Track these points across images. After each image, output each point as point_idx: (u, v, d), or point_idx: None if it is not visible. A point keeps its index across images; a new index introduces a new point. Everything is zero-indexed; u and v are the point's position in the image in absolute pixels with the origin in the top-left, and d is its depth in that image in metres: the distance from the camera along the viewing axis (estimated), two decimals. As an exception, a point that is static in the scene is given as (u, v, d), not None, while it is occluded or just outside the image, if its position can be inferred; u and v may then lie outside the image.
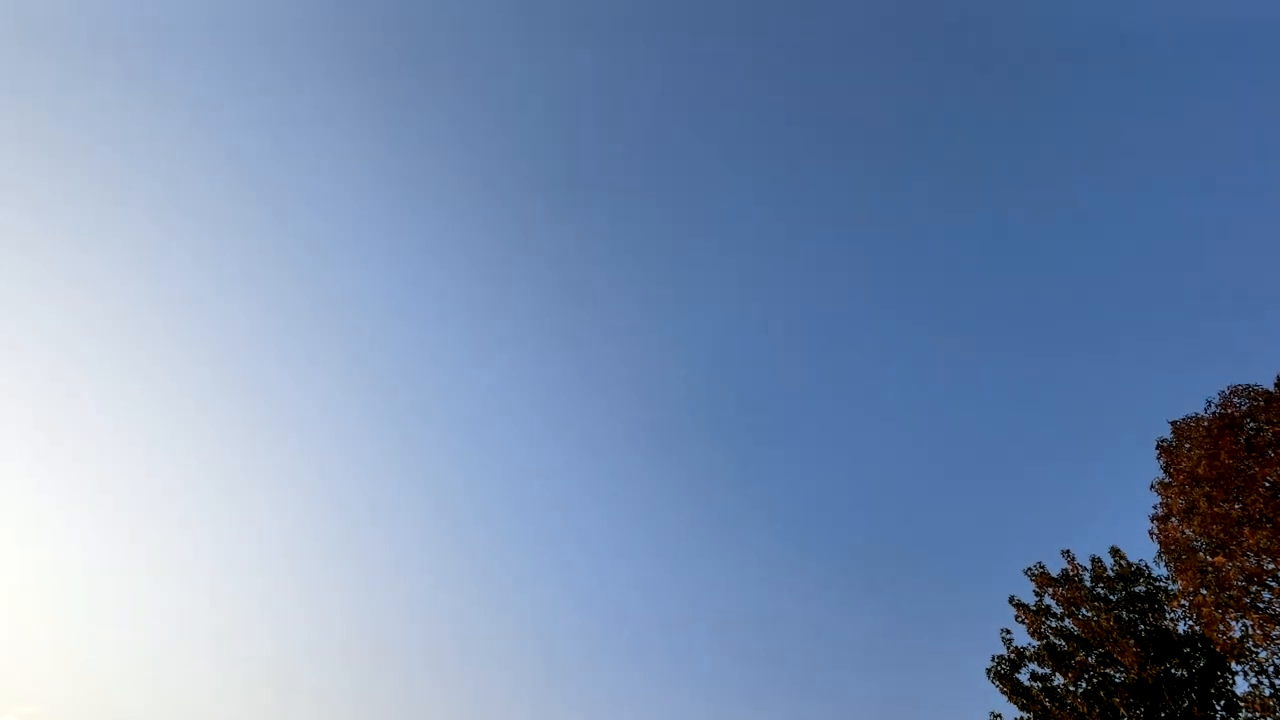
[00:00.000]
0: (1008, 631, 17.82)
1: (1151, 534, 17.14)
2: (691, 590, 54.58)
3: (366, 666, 48.06)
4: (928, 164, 62.83)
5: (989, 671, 17.32)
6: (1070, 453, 54.10)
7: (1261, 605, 14.29)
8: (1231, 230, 52.64)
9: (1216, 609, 14.75)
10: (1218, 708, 15.18)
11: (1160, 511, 17.06)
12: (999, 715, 16.71)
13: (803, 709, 41.74)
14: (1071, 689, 16.22)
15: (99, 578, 47.80)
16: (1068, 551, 18.42)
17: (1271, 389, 16.09)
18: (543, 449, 64.07)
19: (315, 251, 63.91)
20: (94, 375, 55.65)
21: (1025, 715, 16.46)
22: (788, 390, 64.53)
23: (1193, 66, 53.51)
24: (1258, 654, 14.56)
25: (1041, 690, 16.55)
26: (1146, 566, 17.67)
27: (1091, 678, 16.29)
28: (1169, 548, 16.50)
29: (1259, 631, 14.27)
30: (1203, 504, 15.48)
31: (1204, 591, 15.01)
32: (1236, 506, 15.03)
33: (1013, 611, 18.11)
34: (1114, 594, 17.37)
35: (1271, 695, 14.41)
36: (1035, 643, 17.34)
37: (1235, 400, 16.51)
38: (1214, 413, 16.69)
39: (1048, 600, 17.85)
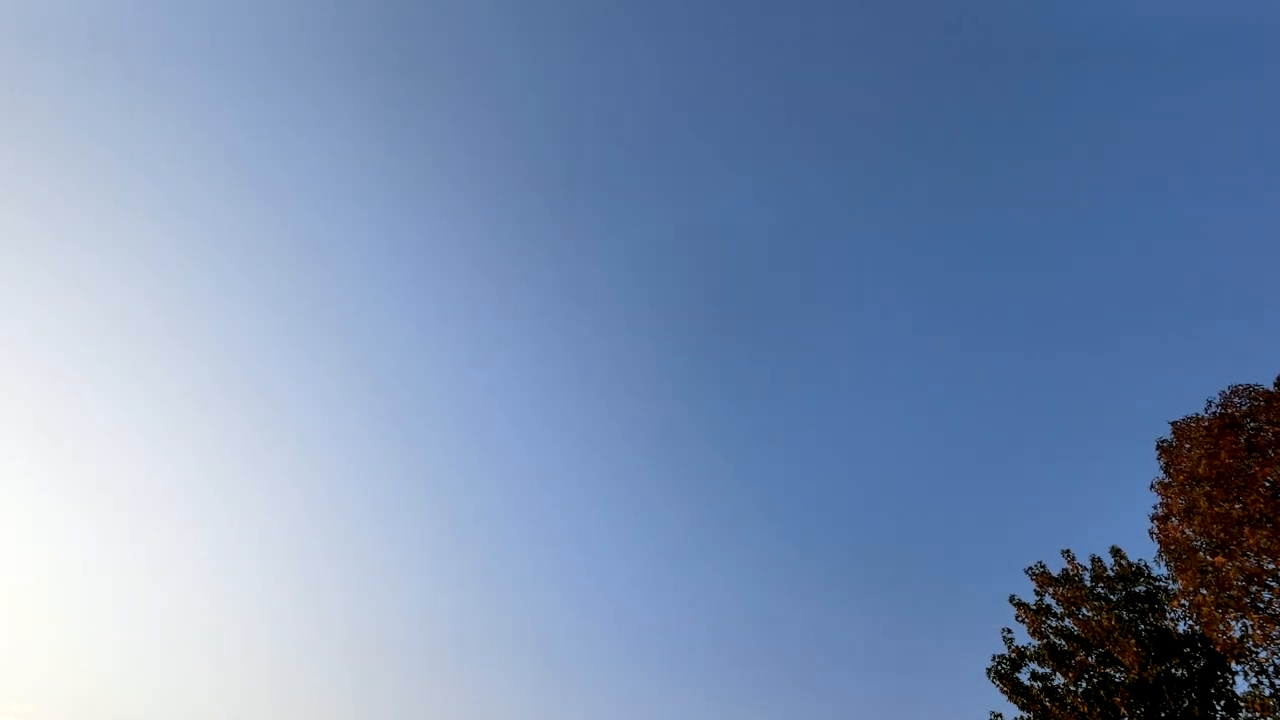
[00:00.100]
0: (1008, 631, 17.85)
1: (1151, 534, 17.15)
2: (691, 590, 54.59)
3: (366, 666, 48.07)
4: (928, 164, 62.86)
5: (989, 671, 17.33)
6: (1070, 453, 54.15)
7: (1261, 605, 14.31)
8: (1231, 230, 52.67)
9: (1216, 609, 14.76)
10: (1218, 708, 15.20)
11: (1160, 511, 17.07)
12: (999, 715, 16.73)
13: (803, 709, 41.76)
14: (1072, 688, 16.24)
15: (97, 577, 47.82)
16: (1068, 551, 18.45)
17: (1271, 389, 16.10)
18: (542, 448, 64.10)
19: (315, 251, 63.92)
20: (94, 375, 55.65)
21: (1025, 715, 16.47)
22: (788, 390, 64.56)
23: (1193, 66, 53.54)
24: (1258, 654, 14.57)
25: (1042, 690, 16.57)
26: (1146, 566, 17.69)
27: (1092, 677, 16.30)
28: (1169, 548, 16.51)
29: (1259, 631, 14.28)
30: (1203, 504, 15.49)
31: (1204, 591, 15.02)
32: (1236, 506, 15.04)
33: (1013, 611, 18.13)
34: (1114, 594, 17.39)
35: (1271, 695, 14.43)
36: (1036, 642, 17.35)
37: (1235, 400, 16.52)
38: (1214, 413, 16.70)
39: (1048, 600, 17.87)
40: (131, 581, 48.77)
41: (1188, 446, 16.98)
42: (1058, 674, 16.68)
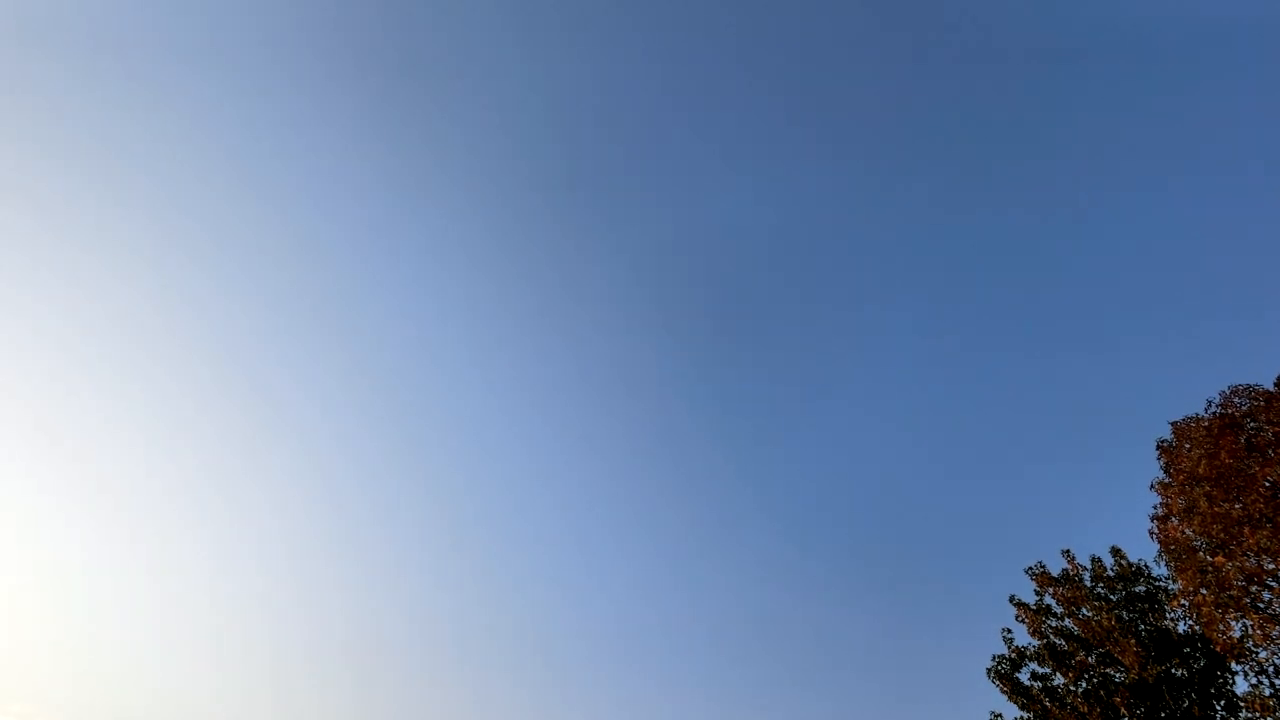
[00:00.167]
0: (1008, 631, 17.85)
1: (1151, 534, 17.15)
2: (691, 590, 54.60)
3: (366, 666, 48.06)
4: (928, 164, 62.86)
5: (989, 671, 17.33)
6: (1070, 453, 54.16)
7: (1261, 605, 14.30)
8: (1231, 230, 52.67)
9: (1216, 609, 14.76)
10: (1218, 708, 15.20)
11: (1160, 511, 17.07)
12: (999, 715, 16.73)
13: (803, 709, 41.76)
14: (1072, 688, 16.24)
15: (96, 577, 47.83)
16: (1068, 551, 18.45)
17: (1271, 389, 16.10)
18: (542, 448, 64.11)
19: (315, 251, 63.92)
20: (94, 375, 55.65)
21: (1025, 715, 16.47)
22: (788, 390, 64.56)
23: (1193, 66, 53.54)
24: (1258, 654, 14.57)
25: (1042, 690, 16.57)
26: (1146, 566, 17.69)
27: (1092, 677, 16.30)
28: (1169, 548, 16.51)
29: (1259, 631, 14.28)
30: (1203, 504, 15.49)
31: (1204, 591, 15.02)
32: (1236, 506, 15.04)
33: (1013, 611, 18.13)
34: (1114, 594, 17.39)
35: (1271, 695, 14.43)
36: (1036, 642, 17.35)
37: (1235, 400, 16.52)
38: (1214, 413, 16.70)
39: (1048, 600, 17.87)
40: (131, 581, 48.80)
41: (1188, 446, 16.97)
42: (1058, 674, 16.68)
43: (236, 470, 57.45)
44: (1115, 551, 18.17)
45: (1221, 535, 14.98)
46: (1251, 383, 16.48)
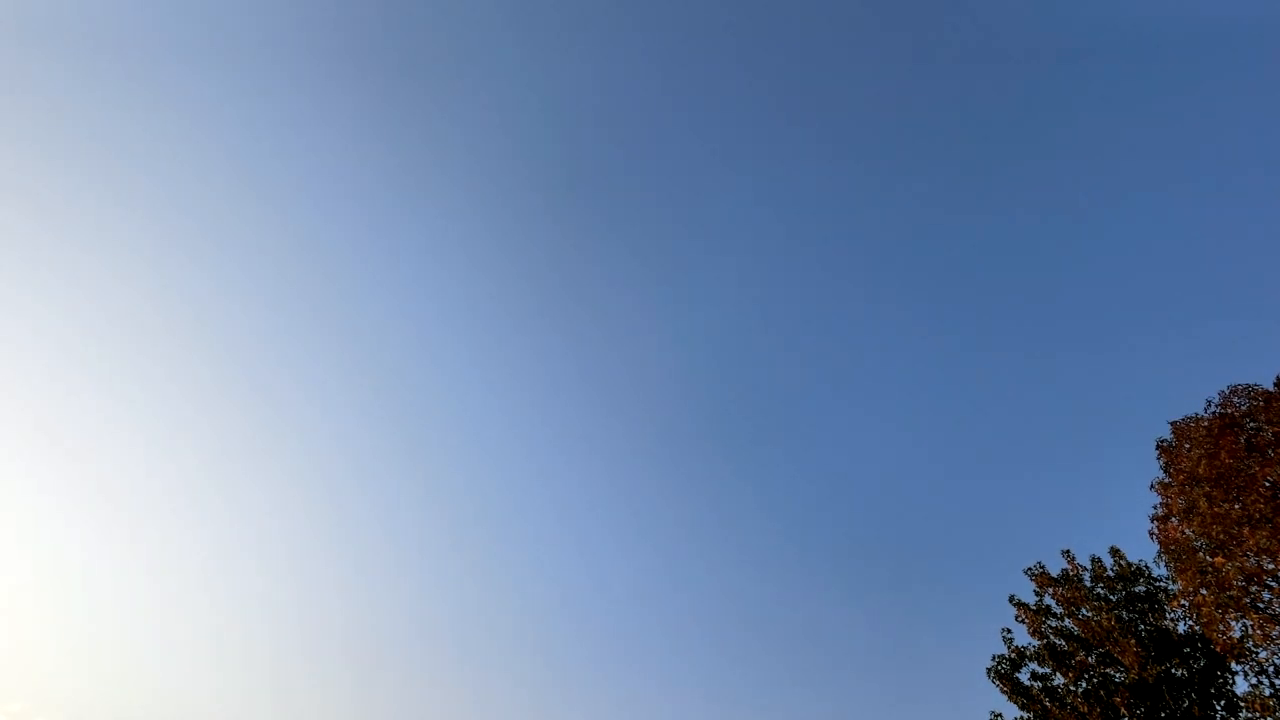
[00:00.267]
0: (1008, 631, 17.84)
1: (1151, 534, 17.15)
2: (690, 589, 54.62)
3: (366, 666, 48.08)
4: (927, 164, 62.87)
5: (989, 671, 17.33)
6: (1070, 453, 54.17)
7: (1261, 605, 14.30)
8: (1231, 230, 52.69)
9: (1216, 609, 14.76)
10: (1218, 708, 15.20)
11: (1160, 511, 17.07)
12: (999, 715, 16.73)
13: (803, 708, 41.77)
14: (1072, 688, 16.24)
15: (95, 576, 47.85)
16: (1068, 551, 18.45)
17: (1271, 389, 16.10)
18: (541, 448, 64.13)
19: (315, 251, 63.95)
20: (94, 375, 55.66)
21: (1025, 715, 16.47)
22: (787, 389, 64.59)
23: (1193, 67, 53.56)
24: (1258, 654, 14.57)
25: (1042, 690, 16.57)
26: (1146, 566, 17.69)
27: (1092, 677, 16.30)
28: (1169, 548, 16.51)
29: (1259, 631, 14.28)
30: (1203, 504, 15.49)
31: (1204, 591, 15.02)
32: (1236, 506, 15.04)
33: (1013, 611, 18.13)
34: (1114, 594, 17.39)
35: (1271, 695, 14.43)
36: (1035, 642, 17.35)
37: (1235, 400, 16.52)
38: (1214, 413, 16.70)
39: (1048, 600, 17.87)
40: (130, 581, 48.83)
41: (1188, 446, 16.97)
42: (1058, 674, 16.68)
43: (235, 470, 57.50)
44: (1115, 551, 18.17)
45: (1221, 535, 14.98)
46: (1251, 383, 16.49)
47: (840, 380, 63.43)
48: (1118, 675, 16.11)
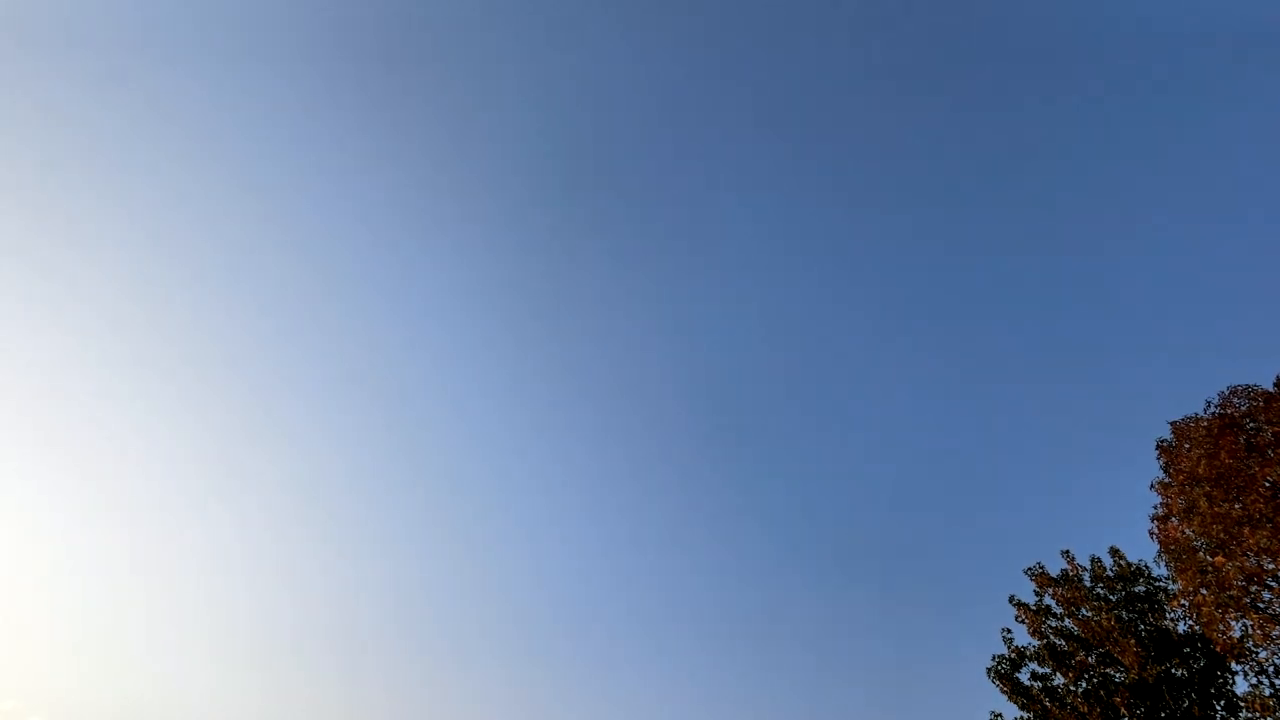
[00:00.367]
0: (1008, 631, 17.84)
1: (1151, 534, 17.15)
2: (682, 590, 54.60)
3: (357, 665, 48.04)
4: (927, 164, 62.93)
5: (989, 671, 17.33)
6: (1070, 453, 54.21)
7: (1261, 605, 14.30)
8: (1231, 230, 52.79)
9: (1216, 609, 14.76)
10: (1218, 708, 15.20)
11: (1160, 511, 17.07)
12: (999, 715, 16.72)
13: (802, 709, 41.76)
14: (1072, 689, 16.23)
15: (87, 576, 47.81)
16: (1068, 551, 18.44)
17: (1271, 389, 16.10)
18: (532, 448, 64.13)
19: (309, 252, 63.90)
20: (89, 375, 55.54)
21: (1025, 715, 16.47)
22: (788, 389, 64.59)
23: (1190, 66, 53.66)
24: (1258, 654, 14.57)
25: (1042, 690, 16.56)
26: (1146, 566, 17.69)
27: (1092, 677, 16.30)
28: (1169, 548, 16.51)
29: (1259, 631, 14.27)
30: (1203, 504, 15.49)
31: (1204, 591, 15.01)
32: (1236, 506, 15.04)
33: (1013, 611, 18.12)
34: (1114, 594, 17.38)
35: (1271, 695, 14.43)
36: (1035, 642, 17.35)
37: (1235, 400, 16.52)
38: (1214, 413, 16.70)
39: (1048, 600, 17.86)
40: (123, 580, 48.78)
41: (1187, 446, 16.97)
42: (1058, 674, 16.67)
43: (228, 469, 57.40)
44: (1115, 551, 18.16)
45: (1221, 535, 14.98)
46: (1251, 383, 16.49)
47: (839, 379, 63.46)
48: (1118, 675, 16.10)
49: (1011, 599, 18.31)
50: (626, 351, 67.04)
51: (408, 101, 62.85)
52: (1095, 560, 18.12)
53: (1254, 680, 14.68)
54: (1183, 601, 15.73)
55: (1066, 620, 17.37)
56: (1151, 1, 51.67)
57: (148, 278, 58.59)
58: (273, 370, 62.67)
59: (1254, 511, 14.65)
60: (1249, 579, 14.49)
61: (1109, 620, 16.65)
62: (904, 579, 50.72)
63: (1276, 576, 14.30)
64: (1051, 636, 17.23)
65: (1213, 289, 53.82)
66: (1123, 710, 15.45)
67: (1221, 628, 14.72)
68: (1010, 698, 16.76)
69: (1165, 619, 16.65)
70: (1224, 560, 14.81)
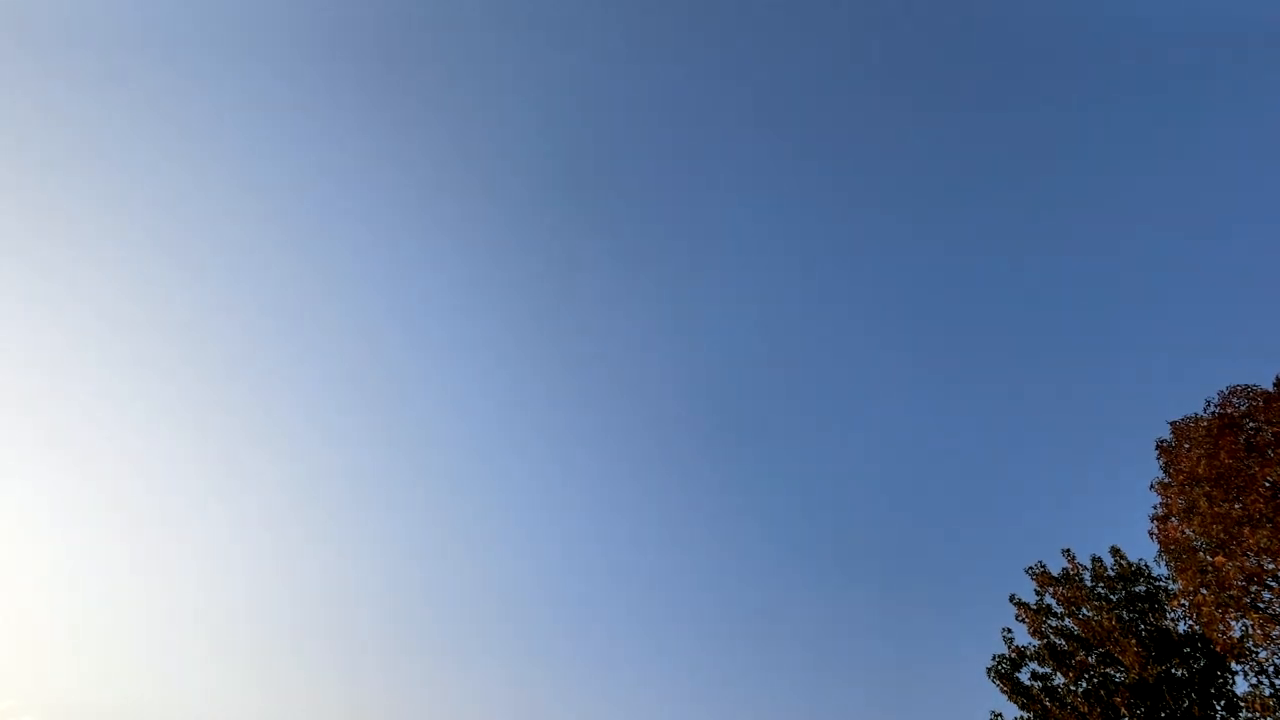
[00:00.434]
0: (1008, 630, 17.85)
1: (1151, 534, 17.17)
2: (680, 591, 54.63)
3: (361, 666, 48.05)
4: (927, 164, 62.94)
5: (989, 670, 17.34)
6: (1070, 453, 54.22)
7: (1261, 605, 14.32)
8: (1232, 230, 52.81)
9: (1216, 609, 14.78)
10: (1218, 708, 15.21)
11: (1160, 511, 17.09)
12: (999, 715, 16.73)
13: (802, 709, 41.78)
14: (1072, 688, 16.25)
15: (85, 576, 47.81)
16: (1068, 551, 18.46)
17: (1271, 389, 16.12)
18: (532, 449, 64.13)
19: (309, 252, 63.89)
20: (93, 376, 55.54)
21: (1025, 714, 16.48)
22: (788, 389, 64.62)
23: (1190, 66, 53.68)
24: (1258, 654, 14.59)
25: (1042, 689, 16.57)
26: (1146, 566, 17.71)
27: (1092, 677, 16.31)
28: (1169, 547, 16.53)
29: (1259, 631, 14.29)
30: (1203, 504, 15.51)
31: (1204, 591, 15.03)
32: (1236, 506, 15.06)
33: (1013, 610, 18.14)
34: (1114, 594, 17.40)
35: (1271, 695, 14.44)
36: (1036, 642, 17.36)
37: (1235, 400, 16.54)
38: (1214, 413, 16.72)
39: (1048, 599, 17.88)
40: (120, 580, 48.78)
41: (1187, 446, 17.00)
42: (1058, 674, 16.68)
43: (229, 469, 57.40)
44: (1115, 551, 18.18)
45: (1221, 535, 15.00)
46: (1251, 383, 16.52)
47: (840, 380, 63.49)
48: (1118, 675, 16.11)
49: (1012, 598, 18.33)
50: (626, 351, 67.03)
51: (408, 101, 62.86)
52: (1096, 560, 18.14)
53: (1254, 680, 14.71)
54: (1183, 601, 15.75)
55: (1067, 620, 17.39)
56: (1152, 1, 51.70)
57: (148, 278, 58.60)
58: (273, 370, 62.68)
59: (1254, 511, 14.66)
60: (1249, 579, 14.50)
61: (1109, 620, 16.67)
62: (904, 579, 50.73)
63: (1276, 576, 14.32)
64: (1052, 636, 17.25)
65: (1213, 289, 53.85)
66: (1123, 710, 15.46)
67: (1221, 628, 14.74)
68: (1010, 697, 16.78)
69: (1165, 619, 16.67)
70: (1224, 560, 14.83)
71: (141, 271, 58.75)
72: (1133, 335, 56.17)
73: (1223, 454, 15.77)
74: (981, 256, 62.97)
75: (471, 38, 60.61)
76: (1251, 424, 15.96)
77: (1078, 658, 16.61)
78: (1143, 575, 17.60)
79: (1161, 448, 17.85)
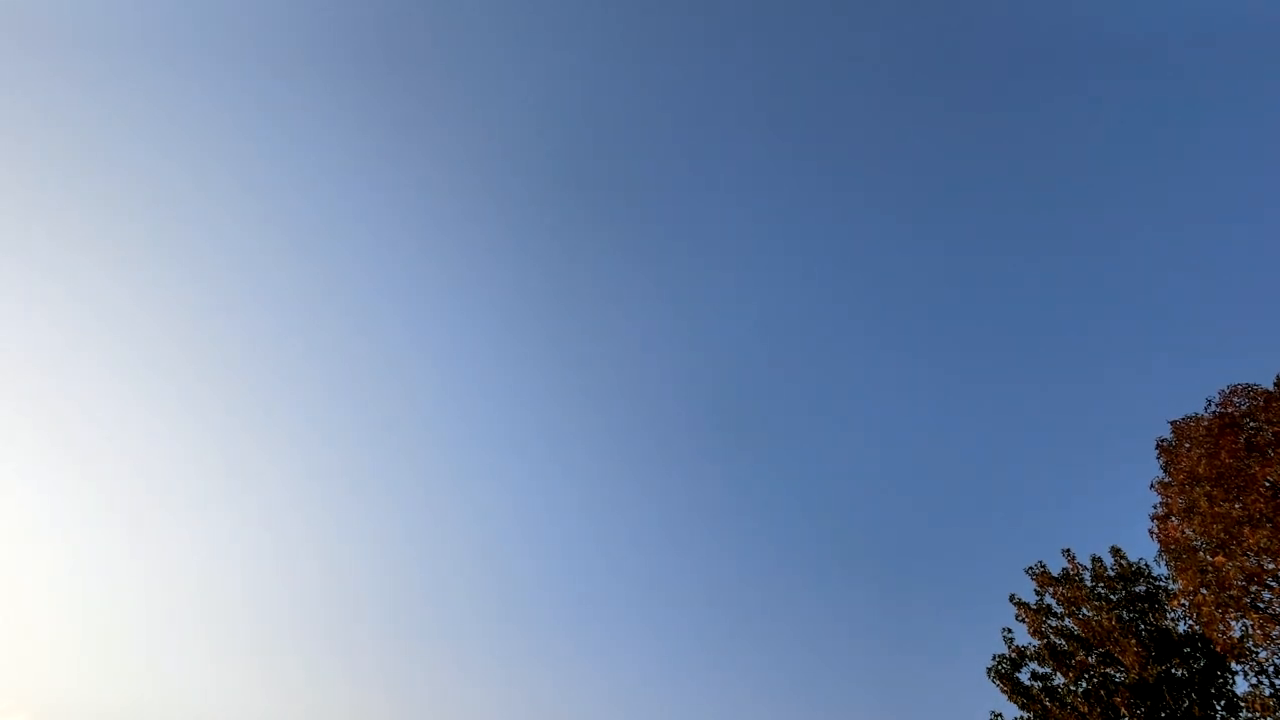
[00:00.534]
0: (1008, 630, 17.84)
1: (1151, 533, 17.16)
2: (688, 589, 54.63)
3: (364, 665, 48.09)
4: (927, 165, 62.93)
5: (990, 670, 17.33)
6: (1070, 452, 54.19)
7: (1261, 605, 14.31)
8: (1231, 229, 52.79)
9: (1216, 609, 14.76)
10: (1218, 708, 15.20)
11: (1160, 511, 17.08)
12: (999, 715, 16.73)
13: (801, 709, 41.78)
14: (1072, 688, 16.23)
15: (82, 578, 47.83)
16: (1068, 551, 18.45)
17: (1271, 389, 16.11)
18: (532, 447, 64.14)
19: (310, 251, 63.88)
20: (93, 376, 55.55)
21: (1025, 715, 16.47)
22: (788, 389, 64.61)
23: (1190, 67, 53.66)
24: (1258, 654, 14.58)
25: (1042, 689, 16.56)
26: (1147, 566, 17.69)
27: (1092, 677, 16.30)
28: (1169, 547, 16.51)
29: (1259, 631, 14.28)
30: (1203, 503, 15.49)
31: (1204, 591, 15.02)
32: (1236, 506, 15.04)
33: (1013, 610, 18.13)
34: (1114, 593, 17.39)
35: (1271, 695, 14.43)
36: (1036, 642, 17.35)
37: (1235, 400, 16.53)
38: (1214, 412, 16.71)
39: (1048, 599, 17.87)
40: (122, 580, 48.78)
41: (1188, 446, 16.98)
42: (1058, 674, 16.67)
43: (229, 469, 57.43)
44: (1115, 551, 18.17)
45: (1221, 535, 14.99)
46: (1251, 383, 16.50)
47: (840, 380, 63.49)
48: (1118, 675, 16.10)
49: (1012, 598, 18.32)
50: (627, 351, 67.01)
51: (408, 101, 62.83)
52: (1096, 559, 18.13)
53: (1254, 680, 14.70)
54: (1183, 601, 15.74)
55: (1067, 620, 17.38)
56: (1151, 2, 51.67)
57: (148, 278, 58.61)
58: (273, 370, 62.69)
59: (1254, 511, 14.65)
60: (1249, 579, 14.49)
61: (1109, 620, 16.66)
62: (904, 579, 50.70)
63: (1276, 576, 14.31)
64: (1052, 636, 17.23)
65: (1213, 289, 53.81)
66: (1123, 710, 15.45)
67: (1221, 628, 14.73)
68: (1010, 697, 16.77)
69: (1166, 619, 16.65)
70: (1224, 560, 14.82)
71: (141, 271, 58.79)
72: (1133, 335, 56.16)
73: (1223, 453, 15.76)
74: (981, 257, 62.95)
75: (471, 38, 60.59)
76: (1252, 423, 15.95)
77: (1078, 658, 16.60)
78: (1143, 575, 17.58)
79: (1162, 447, 17.84)
